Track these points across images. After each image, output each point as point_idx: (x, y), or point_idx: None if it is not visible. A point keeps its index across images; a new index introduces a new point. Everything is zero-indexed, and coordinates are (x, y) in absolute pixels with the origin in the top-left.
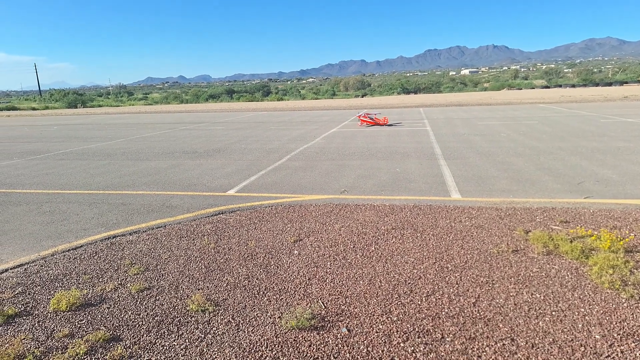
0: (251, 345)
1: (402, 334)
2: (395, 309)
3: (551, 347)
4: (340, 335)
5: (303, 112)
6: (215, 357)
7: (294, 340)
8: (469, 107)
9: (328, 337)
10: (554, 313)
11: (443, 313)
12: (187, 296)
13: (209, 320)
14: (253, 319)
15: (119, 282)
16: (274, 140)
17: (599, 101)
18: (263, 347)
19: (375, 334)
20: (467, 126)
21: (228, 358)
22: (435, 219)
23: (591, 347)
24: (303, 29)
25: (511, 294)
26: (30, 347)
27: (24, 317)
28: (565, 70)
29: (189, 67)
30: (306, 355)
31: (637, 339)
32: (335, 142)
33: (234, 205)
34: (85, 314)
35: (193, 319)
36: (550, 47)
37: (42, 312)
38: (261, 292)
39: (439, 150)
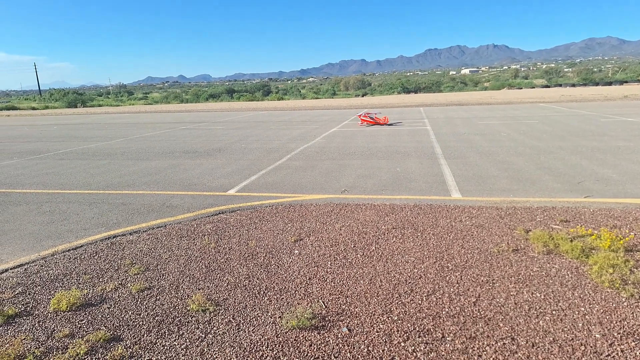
0: (252, 345)
1: (403, 333)
2: (396, 309)
3: (551, 346)
4: (341, 334)
5: (303, 111)
6: (216, 357)
7: (295, 340)
8: (469, 107)
9: (329, 336)
10: (554, 312)
11: (443, 312)
12: (188, 296)
13: (210, 320)
14: (254, 319)
15: (120, 282)
16: (274, 139)
17: (599, 100)
18: (264, 347)
19: (376, 334)
20: (467, 125)
21: (229, 358)
22: (435, 219)
23: (591, 346)
24: (303, 29)
25: (511, 293)
26: (30, 347)
27: (24, 317)
28: (566, 70)
29: (189, 67)
30: (307, 355)
31: (637, 338)
32: (335, 142)
33: (234, 205)
34: (85, 314)
35: (194, 318)
36: (551, 46)
37: (42, 312)
38: (262, 292)
39: (439, 149)
